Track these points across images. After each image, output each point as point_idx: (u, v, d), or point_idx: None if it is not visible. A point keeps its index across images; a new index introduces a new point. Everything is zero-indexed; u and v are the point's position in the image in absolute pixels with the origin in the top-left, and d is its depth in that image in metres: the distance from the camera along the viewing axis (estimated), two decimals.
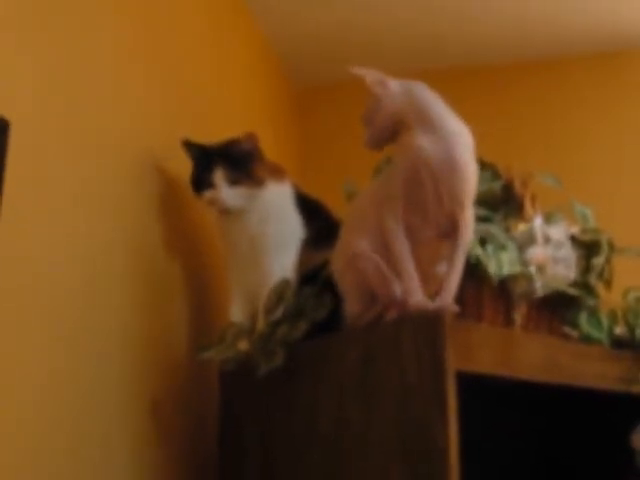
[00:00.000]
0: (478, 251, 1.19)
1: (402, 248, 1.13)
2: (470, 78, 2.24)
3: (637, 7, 1.97)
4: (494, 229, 1.23)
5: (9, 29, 1.04)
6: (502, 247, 1.22)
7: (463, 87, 2.23)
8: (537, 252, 1.25)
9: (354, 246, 1.21)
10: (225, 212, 1.39)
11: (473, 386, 1.24)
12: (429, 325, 1.08)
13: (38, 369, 1.05)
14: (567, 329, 1.35)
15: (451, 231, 1.13)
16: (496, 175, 1.34)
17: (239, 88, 1.88)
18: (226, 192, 1.36)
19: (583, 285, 1.33)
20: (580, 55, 2.17)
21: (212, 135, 1.47)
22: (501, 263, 1.19)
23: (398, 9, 1.99)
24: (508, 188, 1.33)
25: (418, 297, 1.10)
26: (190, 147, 1.42)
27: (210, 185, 1.37)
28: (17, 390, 1.00)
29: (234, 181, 1.37)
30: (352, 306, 1.22)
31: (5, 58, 1.02)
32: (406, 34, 2.10)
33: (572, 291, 1.29)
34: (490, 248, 1.21)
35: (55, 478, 1.06)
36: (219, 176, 1.36)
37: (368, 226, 1.18)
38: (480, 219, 1.25)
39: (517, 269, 1.21)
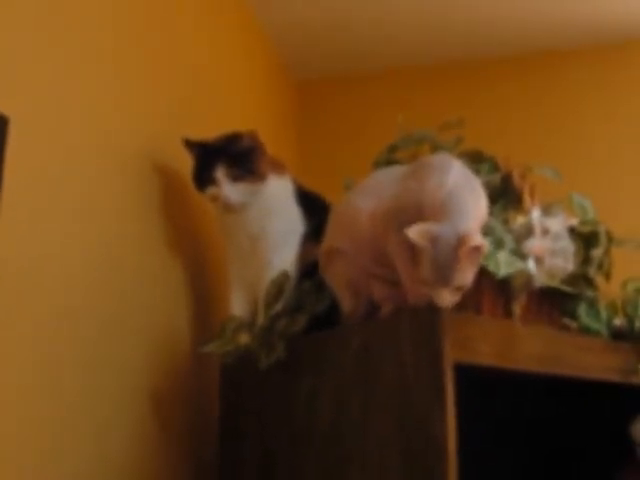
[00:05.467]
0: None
1: (405, 260, 1.12)
2: (470, 71, 2.24)
3: None
4: (492, 222, 1.24)
5: (10, 26, 1.04)
6: (499, 242, 1.22)
7: (463, 80, 2.23)
8: (535, 244, 1.25)
9: (330, 240, 1.22)
10: (228, 208, 1.39)
11: (471, 378, 1.25)
12: (427, 317, 1.08)
13: (40, 362, 1.06)
14: (566, 320, 1.35)
15: None
16: (495, 167, 1.34)
17: (238, 81, 1.88)
18: (228, 189, 1.37)
19: (582, 277, 1.34)
20: (580, 47, 2.17)
21: (211, 128, 1.47)
22: (498, 263, 1.19)
23: (398, 2, 1.99)
24: (507, 180, 1.33)
25: (420, 292, 1.11)
26: (191, 145, 1.42)
27: (212, 182, 1.37)
28: (20, 382, 1.01)
29: (236, 177, 1.37)
30: (343, 303, 1.22)
31: (5, 54, 1.03)
32: (407, 27, 2.10)
33: (567, 289, 1.29)
34: (487, 242, 1.22)
35: (56, 469, 1.07)
36: (221, 173, 1.37)
37: (356, 224, 1.19)
38: None
39: (514, 268, 1.21)
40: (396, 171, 1.21)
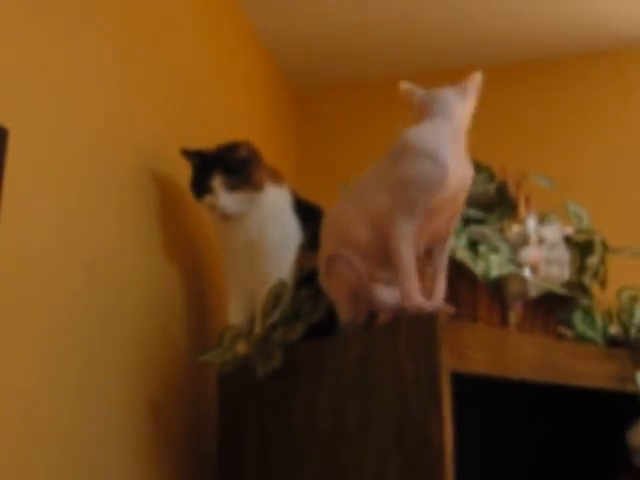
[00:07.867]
0: (463, 254, 1.20)
1: (410, 254, 1.12)
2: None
3: (634, 6, 1.98)
4: (488, 231, 1.25)
5: (8, 36, 1.05)
6: (494, 249, 1.23)
7: None
8: (531, 253, 1.26)
9: (328, 249, 1.23)
10: (225, 217, 1.40)
11: (469, 385, 1.25)
12: (424, 326, 1.09)
13: (38, 369, 1.06)
14: (562, 329, 1.36)
15: (439, 241, 1.15)
16: (491, 177, 1.35)
17: (236, 88, 1.89)
18: (224, 198, 1.37)
19: (578, 285, 1.35)
20: (575, 55, 2.19)
21: (210, 136, 1.48)
22: (490, 265, 1.20)
23: (395, 9, 2.00)
24: (502, 189, 1.34)
25: (417, 300, 1.11)
26: (189, 154, 1.43)
27: (209, 191, 1.38)
28: (17, 390, 1.02)
29: (232, 187, 1.38)
30: (342, 313, 1.23)
31: (4, 65, 1.04)
32: (404, 34, 2.11)
33: (563, 291, 1.30)
34: (482, 249, 1.23)
35: (53, 478, 1.08)
36: (217, 182, 1.37)
37: (352, 230, 1.19)
38: (474, 221, 1.26)
39: (507, 271, 1.22)
40: (375, 165, 1.21)
